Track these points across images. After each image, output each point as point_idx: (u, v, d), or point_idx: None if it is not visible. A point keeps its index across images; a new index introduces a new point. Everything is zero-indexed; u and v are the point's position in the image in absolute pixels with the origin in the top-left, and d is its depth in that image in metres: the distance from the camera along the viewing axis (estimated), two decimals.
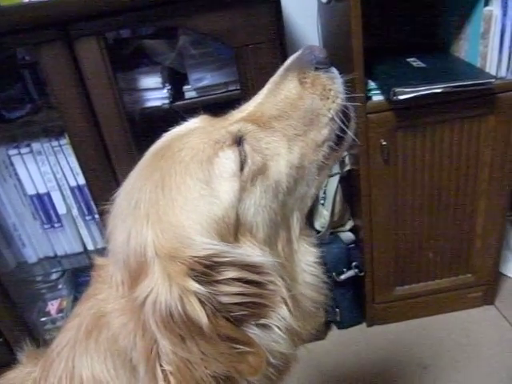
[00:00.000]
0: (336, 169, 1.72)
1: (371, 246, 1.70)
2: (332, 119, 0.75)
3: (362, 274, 1.78)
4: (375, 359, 1.78)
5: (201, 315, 0.58)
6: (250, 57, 1.31)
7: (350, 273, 1.78)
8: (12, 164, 1.57)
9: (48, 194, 1.61)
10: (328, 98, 0.75)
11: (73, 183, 1.60)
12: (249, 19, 1.28)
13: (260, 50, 1.31)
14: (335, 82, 0.76)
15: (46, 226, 1.68)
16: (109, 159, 1.41)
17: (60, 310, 1.82)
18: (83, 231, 1.69)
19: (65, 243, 1.72)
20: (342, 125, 0.75)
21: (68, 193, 1.62)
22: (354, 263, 1.80)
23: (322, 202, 1.78)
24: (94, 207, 1.58)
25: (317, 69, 0.76)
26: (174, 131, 0.75)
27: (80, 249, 1.73)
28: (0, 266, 1.63)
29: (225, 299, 0.61)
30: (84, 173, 1.44)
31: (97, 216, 1.62)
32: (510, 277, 2.02)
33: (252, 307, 0.64)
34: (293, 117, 0.74)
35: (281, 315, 0.67)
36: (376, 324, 1.90)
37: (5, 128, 1.53)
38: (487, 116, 1.49)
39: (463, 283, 1.82)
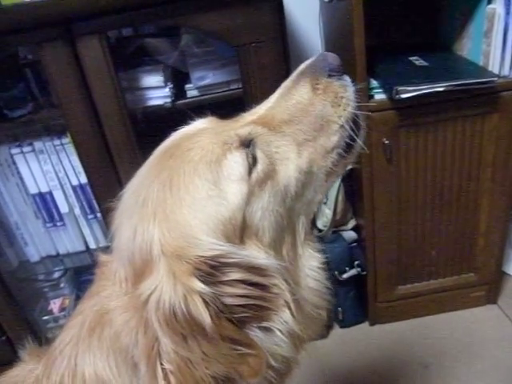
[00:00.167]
0: None
1: (373, 244, 1.70)
2: (342, 127, 0.75)
3: (365, 272, 1.77)
4: (377, 358, 1.77)
5: (204, 315, 0.58)
6: (251, 55, 1.31)
7: (353, 272, 1.78)
8: (14, 163, 1.57)
9: (50, 193, 1.62)
10: (339, 106, 0.75)
11: (75, 182, 1.60)
12: (251, 18, 1.28)
13: (262, 49, 1.31)
14: (347, 90, 0.76)
15: (48, 225, 1.68)
16: (111, 158, 1.41)
17: (62, 309, 1.82)
18: (85, 230, 1.70)
19: (67, 242, 1.72)
20: (351, 133, 0.75)
21: (70, 192, 1.62)
22: (356, 262, 1.79)
23: (324, 200, 1.78)
24: (96, 206, 1.59)
25: (330, 76, 0.76)
26: (183, 130, 0.75)
27: (82, 247, 1.74)
28: (2, 264, 1.64)
29: (228, 300, 0.61)
30: (86, 171, 1.45)
31: (99, 215, 1.63)
32: None
33: (255, 310, 0.64)
34: (303, 122, 0.74)
35: (283, 319, 0.67)
36: (378, 323, 1.90)
37: (7, 127, 1.54)
38: (490, 115, 1.48)
39: (466, 282, 1.82)
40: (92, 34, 1.26)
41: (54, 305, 1.83)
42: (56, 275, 1.84)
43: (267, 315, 0.66)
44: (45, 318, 1.81)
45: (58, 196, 1.62)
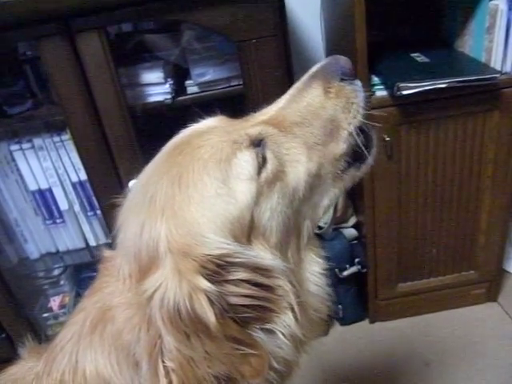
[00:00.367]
0: None
1: (374, 242, 1.69)
2: (351, 134, 0.75)
3: (365, 270, 1.77)
4: (378, 356, 1.77)
5: (209, 314, 0.58)
6: (252, 51, 1.30)
7: (353, 269, 1.78)
8: (14, 159, 1.57)
9: (50, 190, 1.61)
10: (349, 112, 0.75)
11: (74, 179, 1.60)
12: (251, 14, 1.27)
13: (263, 45, 1.30)
14: (358, 95, 0.76)
15: (47, 222, 1.68)
16: (111, 154, 1.41)
17: (62, 306, 1.82)
18: (85, 227, 1.69)
19: (67, 239, 1.72)
20: (359, 142, 0.75)
21: (70, 188, 1.62)
22: (356, 259, 1.79)
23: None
24: (95, 203, 1.58)
25: (342, 80, 0.76)
26: (193, 128, 0.75)
27: (82, 244, 1.73)
28: (2, 261, 1.63)
29: (233, 300, 0.61)
30: (86, 168, 1.44)
31: (99, 211, 1.62)
32: None
33: (259, 311, 0.64)
34: (314, 125, 0.74)
35: (286, 322, 0.66)
36: (379, 320, 1.90)
37: (6, 123, 1.53)
38: (491, 112, 1.48)
39: (466, 280, 1.81)
40: (91, 30, 1.25)
41: (54, 302, 1.83)
42: (56, 272, 1.84)
43: (270, 317, 0.65)
44: (44, 315, 1.81)
45: (58, 193, 1.62)
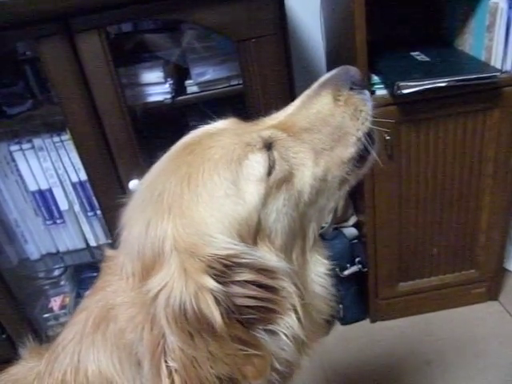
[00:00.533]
0: None
1: (374, 241, 1.69)
2: (359, 140, 0.76)
3: (366, 269, 1.77)
4: (378, 355, 1.77)
5: (215, 314, 0.58)
6: (252, 51, 1.30)
7: (354, 268, 1.78)
8: (14, 160, 1.57)
9: (50, 190, 1.61)
10: (358, 119, 0.77)
11: (74, 179, 1.60)
12: (251, 13, 1.27)
13: (262, 44, 1.30)
14: (367, 104, 0.78)
15: (48, 222, 1.68)
16: (110, 154, 1.40)
17: (63, 307, 1.82)
18: (85, 227, 1.69)
19: (67, 239, 1.72)
20: (368, 146, 0.77)
21: (70, 189, 1.61)
22: (357, 259, 1.79)
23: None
24: (95, 203, 1.58)
25: (351, 89, 0.78)
26: (204, 129, 0.76)
27: (82, 245, 1.73)
28: (2, 262, 1.63)
29: (238, 301, 0.61)
30: (86, 168, 1.44)
31: (99, 212, 1.62)
32: None
33: (262, 312, 0.64)
34: (322, 132, 0.75)
35: (289, 323, 0.67)
36: (379, 320, 1.90)
37: (6, 124, 1.53)
38: (492, 110, 1.48)
39: (467, 279, 1.81)
40: (91, 30, 1.25)
41: (55, 302, 1.83)
42: (56, 273, 1.84)
43: (274, 318, 0.65)
44: (45, 315, 1.81)
45: (58, 193, 1.62)
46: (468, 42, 1.56)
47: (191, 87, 1.51)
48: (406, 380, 1.66)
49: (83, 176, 1.55)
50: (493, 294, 1.88)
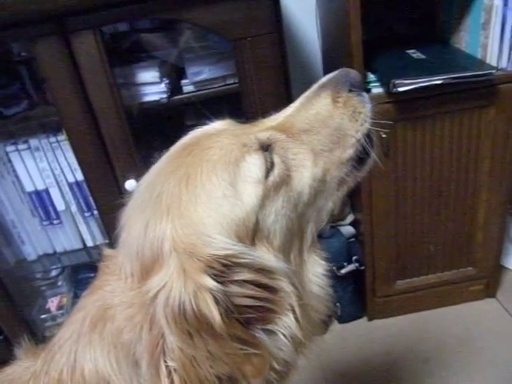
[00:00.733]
0: None
1: (372, 239, 1.69)
2: (358, 141, 0.77)
3: (363, 267, 1.77)
4: (376, 353, 1.77)
5: (214, 313, 0.58)
6: (247, 50, 1.30)
7: (351, 267, 1.78)
8: (10, 161, 1.56)
9: (46, 191, 1.61)
10: (357, 121, 0.77)
11: (71, 179, 1.60)
12: (247, 12, 1.27)
13: (258, 43, 1.30)
14: (365, 106, 0.78)
15: (44, 223, 1.68)
16: (107, 154, 1.40)
17: (60, 307, 1.82)
18: (82, 227, 1.69)
19: (64, 240, 1.72)
20: (367, 147, 0.77)
21: (66, 189, 1.61)
22: (354, 257, 1.79)
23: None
24: (92, 203, 1.57)
25: (350, 91, 0.78)
26: (202, 129, 0.76)
27: (79, 245, 1.73)
28: None
29: (237, 300, 0.61)
30: (82, 168, 1.44)
31: (96, 212, 1.62)
32: (511, 269, 2.01)
33: (260, 311, 0.64)
34: (321, 133, 0.75)
35: (287, 323, 0.67)
36: (377, 318, 1.90)
37: (2, 124, 1.52)
38: (488, 108, 1.48)
39: (464, 276, 1.82)
40: (86, 30, 1.25)
41: (52, 303, 1.82)
42: (53, 273, 1.83)
43: (272, 318, 0.66)
44: (43, 316, 1.81)
45: (55, 193, 1.61)
46: (464, 40, 1.56)
47: (187, 87, 1.51)
48: (403, 378, 1.67)
49: (80, 176, 1.54)
50: (490, 292, 1.88)
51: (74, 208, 1.65)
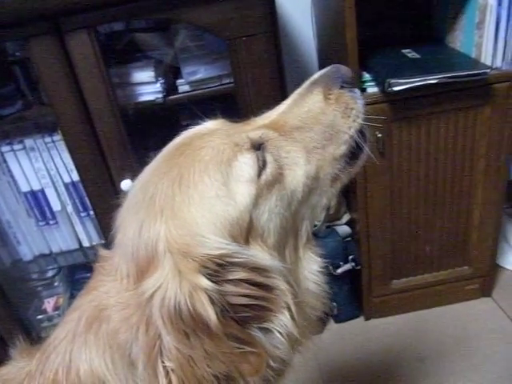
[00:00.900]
0: None
1: (368, 239, 1.70)
2: (351, 137, 0.77)
3: (359, 267, 1.77)
4: (373, 352, 1.78)
5: (210, 312, 0.58)
6: (243, 49, 1.30)
7: (347, 266, 1.78)
8: (5, 161, 1.56)
9: (42, 191, 1.61)
10: (349, 117, 0.77)
11: (67, 179, 1.59)
12: (242, 11, 1.27)
13: (253, 43, 1.30)
14: (357, 102, 0.78)
15: (40, 223, 1.67)
16: (102, 154, 1.40)
17: (56, 308, 1.81)
18: (78, 228, 1.69)
19: (60, 240, 1.71)
20: (360, 143, 0.77)
21: (62, 189, 1.61)
22: (350, 257, 1.79)
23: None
24: (88, 203, 1.57)
25: (342, 87, 0.78)
26: (194, 129, 0.76)
27: (75, 245, 1.73)
28: None
29: (232, 299, 0.61)
30: (78, 169, 1.44)
31: (91, 212, 1.61)
32: (507, 268, 2.02)
33: (256, 310, 0.64)
34: (314, 130, 0.75)
35: (283, 321, 0.67)
36: (373, 317, 1.90)
37: None
38: (482, 107, 1.48)
39: (460, 275, 1.82)
40: (81, 29, 1.25)
41: (48, 304, 1.82)
42: (50, 274, 1.83)
43: (268, 316, 0.66)
44: (39, 317, 1.80)
45: (50, 194, 1.61)
46: (458, 39, 1.56)
47: (183, 86, 1.51)
48: (400, 377, 1.67)
49: (75, 176, 1.54)
50: (486, 291, 1.88)
51: (69, 208, 1.64)
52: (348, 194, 1.79)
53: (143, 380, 0.63)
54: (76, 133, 1.36)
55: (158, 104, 1.47)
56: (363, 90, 1.47)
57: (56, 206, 1.63)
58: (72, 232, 1.70)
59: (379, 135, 1.47)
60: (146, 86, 1.46)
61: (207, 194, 0.65)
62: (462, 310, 1.86)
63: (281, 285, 0.67)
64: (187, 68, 1.48)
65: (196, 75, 1.48)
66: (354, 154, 0.78)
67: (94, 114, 1.35)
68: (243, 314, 0.63)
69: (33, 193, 1.61)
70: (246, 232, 0.66)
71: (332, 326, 1.91)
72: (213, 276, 0.61)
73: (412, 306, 1.88)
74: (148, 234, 0.64)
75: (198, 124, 0.77)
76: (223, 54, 1.42)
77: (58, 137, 1.51)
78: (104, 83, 1.31)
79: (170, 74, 1.53)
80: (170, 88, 1.50)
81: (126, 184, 1.39)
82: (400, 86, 1.37)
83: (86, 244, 1.72)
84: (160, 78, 1.46)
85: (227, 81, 1.48)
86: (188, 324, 0.58)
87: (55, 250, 1.73)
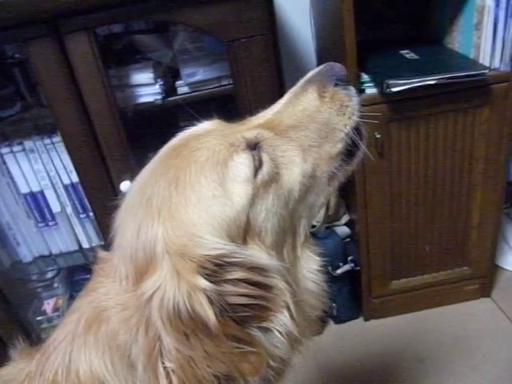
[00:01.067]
0: None
1: (367, 239, 1.70)
2: (347, 135, 0.77)
3: (359, 268, 1.77)
4: (372, 353, 1.78)
5: (209, 313, 0.59)
6: (241, 51, 1.30)
7: (346, 267, 1.78)
8: (5, 162, 1.56)
9: (42, 193, 1.61)
10: (344, 114, 0.77)
11: (66, 181, 1.59)
12: (240, 13, 1.27)
13: (252, 44, 1.30)
14: (352, 99, 0.78)
15: (40, 225, 1.67)
16: (102, 156, 1.40)
17: (56, 309, 1.81)
18: (78, 229, 1.69)
19: (59, 242, 1.71)
20: (356, 140, 0.77)
21: (62, 191, 1.61)
22: (350, 257, 1.79)
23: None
24: (88, 205, 1.57)
25: (336, 85, 0.78)
26: (190, 130, 0.76)
27: (75, 247, 1.73)
28: None
29: (231, 299, 0.62)
30: (77, 170, 1.44)
31: (91, 214, 1.61)
32: (506, 269, 2.02)
33: (256, 309, 0.64)
34: (309, 128, 0.75)
35: (282, 320, 0.67)
36: (373, 318, 1.90)
37: None
38: (481, 107, 1.48)
39: (460, 276, 1.82)
40: (80, 31, 1.25)
41: (48, 305, 1.82)
42: (49, 275, 1.83)
43: (267, 315, 0.66)
44: (38, 318, 1.80)
45: (50, 195, 1.61)
46: (457, 40, 1.57)
47: (182, 88, 1.51)
48: (399, 377, 1.67)
49: (75, 178, 1.54)
50: (485, 291, 1.89)
51: (69, 210, 1.64)
52: (347, 195, 1.79)
53: (143, 381, 0.63)
54: (75, 134, 1.37)
55: (157, 105, 1.47)
56: (362, 91, 1.47)
57: (55, 207, 1.63)
58: (71, 233, 1.70)
59: (378, 136, 1.47)
60: (145, 87, 1.46)
61: (204, 194, 0.65)
62: (462, 310, 1.87)
63: (279, 284, 0.67)
64: (186, 69, 1.48)
65: (195, 77, 1.48)
66: (350, 151, 0.78)
67: (93, 116, 1.35)
68: (242, 314, 0.63)
69: (32, 194, 1.61)
70: (244, 232, 0.66)
71: (331, 326, 1.91)
72: (211, 276, 0.61)
73: (411, 307, 1.88)
74: (146, 236, 0.64)
75: (194, 125, 0.78)
76: (222, 55, 1.42)
77: (57, 138, 1.51)
78: (103, 85, 1.32)
79: (168, 76, 1.53)
80: (169, 89, 1.50)
81: (125, 185, 1.39)
82: (398, 86, 1.37)
83: (85, 245, 1.72)
84: (159, 80, 1.46)
85: (226, 82, 1.48)
86: (187, 325, 0.58)
87: (55, 251, 1.73)
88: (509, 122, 1.51)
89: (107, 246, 0.76)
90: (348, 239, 1.84)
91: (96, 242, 1.71)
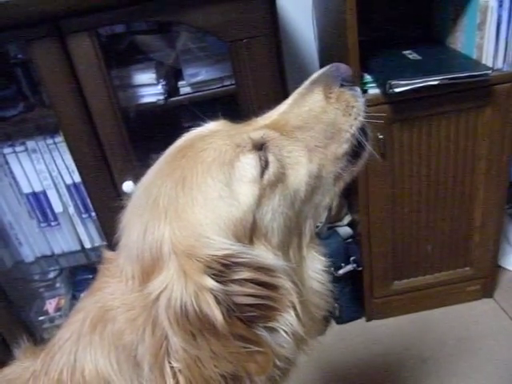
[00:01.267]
0: None
1: (369, 240, 1.70)
2: (353, 135, 0.77)
3: (361, 268, 1.77)
4: (374, 353, 1.78)
5: (216, 312, 0.59)
6: (244, 51, 1.30)
7: (349, 267, 1.78)
8: (7, 163, 1.56)
9: (44, 193, 1.61)
10: (350, 115, 0.77)
11: (69, 181, 1.59)
12: (243, 13, 1.27)
13: (254, 44, 1.30)
14: (358, 100, 0.78)
15: (42, 225, 1.67)
16: (104, 156, 1.40)
17: (58, 309, 1.82)
18: (80, 229, 1.69)
19: (62, 241, 1.71)
20: (362, 141, 0.77)
21: (64, 191, 1.61)
22: (352, 258, 1.79)
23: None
24: (90, 205, 1.57)
25: (342, 86, 0.78)
26: (196, 131, 0.76)
27: (77, 247, 1.73)
28: None
29: (238, 299, 0.62)
30: (79, 170, 1.44)
31: (93, 214, 1.62)
32: (508, 269, 2.02)
33: (262, 309, 0.64)
34: (315, 129, 0.76)
35: (288, 320, 0.67)
36: (375, 318, 1.90)
37: None
38: (484, 108, 1.48)
39: (462, 276, 1.82)
40: (83, 31, 1.24)
41: (50, 305, 1.82)
42: (51, 275, 1.83)
43: (273, 315, 0.66)
44: (40, 318, 1.81)
45: (52, 195, 1.61)
46: (459, 40, 1.56)
47: (184, 88, 1.51)
48: (401, 378, 1.67)
49: (77, 178, 1.54)
50: (487, 292, 1.88)
51: (71, 210, 1.65)
52: (349, 196, 1.79)
53: (149, 381, 0.63)
54: (78, 134, 1.37)
55: (159, 106, 1.47)
56: (364, 92, 1.47)
57: (58, 207, 1.63)
58: (74, 233, 1.70)
59: (380, 136, 1.47)
60: (148, 87, 1.46)
61: (210, 195, 0.65)
62: (464, 310, 1.86)
63: (286, 284, 0.67)
64: (189, 70, 1.48)
65: (197, 77, 1.48)
66: (356, 152, 0.78)
67: (96, 116, 1.35)
68: (249, 314, 0.63)
69: (35, 194, 1.61)
70: (250, 232, 0.67)
71: (333, 327, 1.91)
72: (218, 276, 0.61)
73: (413, 307, 1.88)
74: (152, 236, 0.64)
75: (199, 125, 0.78)
76: (224, 55, 1.42)
77: (59, 138, 1.51)
78: (105, 85, 1.31)
79: (171, 76, 1.53)
80: (172, 90, 1.50)
81: (127, 185, 1.39)
82: (401, 87, 1.37)
83: (87, 245, 1.72)
84: (161, 80, 1.46)
85: (229, 82, 1.48)
86: (194, 324, 0.59)
87: (57, 251, 1.73)
88: (511, 123, 1.51)
89: (110, 246, 0.76)
90: (350, 240, 1.84)
91: (98, 241, 1.72)
